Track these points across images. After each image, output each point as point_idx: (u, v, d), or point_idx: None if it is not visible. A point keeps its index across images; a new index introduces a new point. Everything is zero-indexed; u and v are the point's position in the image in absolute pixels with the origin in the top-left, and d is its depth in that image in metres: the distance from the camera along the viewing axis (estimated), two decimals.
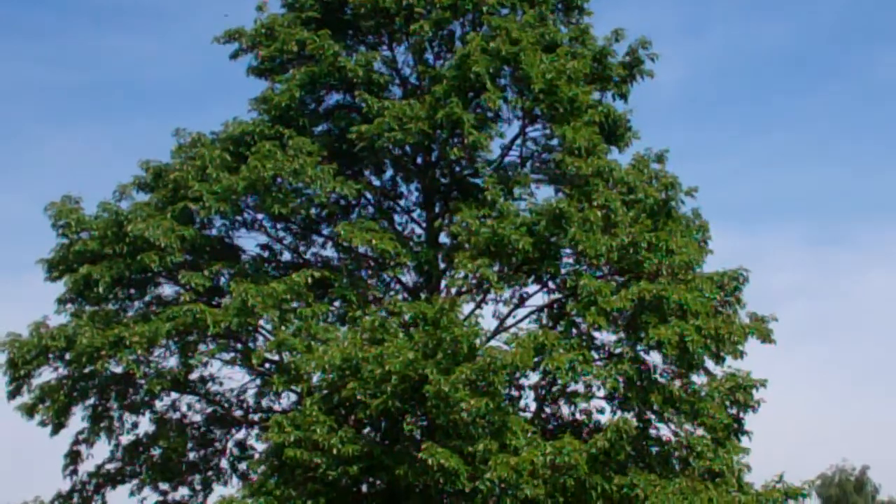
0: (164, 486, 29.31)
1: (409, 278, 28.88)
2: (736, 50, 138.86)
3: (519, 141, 29.55)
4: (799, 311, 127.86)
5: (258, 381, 28.52)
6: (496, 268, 26.41)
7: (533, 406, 27.67)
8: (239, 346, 27.60)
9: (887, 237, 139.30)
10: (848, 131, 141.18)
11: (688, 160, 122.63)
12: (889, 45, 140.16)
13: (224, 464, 29.92)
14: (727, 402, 26.65)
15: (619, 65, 29.69)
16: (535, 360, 25.02)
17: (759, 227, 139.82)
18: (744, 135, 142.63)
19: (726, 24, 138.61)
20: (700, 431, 26.44)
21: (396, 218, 30.07)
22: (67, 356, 26.67)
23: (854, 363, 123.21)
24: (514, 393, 27.09)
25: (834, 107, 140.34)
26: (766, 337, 27.30)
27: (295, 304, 26.27)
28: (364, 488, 25.97)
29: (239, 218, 28.56)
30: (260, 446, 27.73)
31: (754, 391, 26.78)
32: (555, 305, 27.94)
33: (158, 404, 29.19)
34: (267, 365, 27.08)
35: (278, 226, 29.20)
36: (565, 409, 27.72)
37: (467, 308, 26.97)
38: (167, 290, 28.46)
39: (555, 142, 28.66)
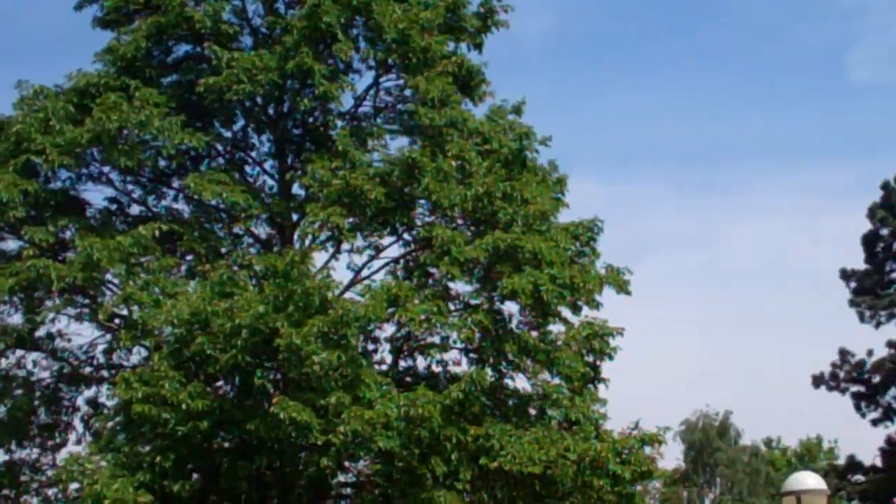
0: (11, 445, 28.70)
1: (261, 231, 28.60)
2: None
3: (372, 92, 29.38)
4: (670, 258, 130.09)
5: (107, 337, 27.96)
6: (350, 220, 26.21)
7: (388, 359, 27.61)
8: (86, 301, 27.05)
9: (757, 184, 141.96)
10: (715, 78, 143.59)
11: (557, 109, 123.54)
12: None
13: (77, 422, 29.42)
14: (584, 351, 26.76)
15: (473, 15, 29.49)
16: (389, 311, 24.93)
17: (626, 176, 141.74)
18: (611, 83, 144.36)
19: None
20: (556, 380, 26.54)
21: (248, 170, 29.69)
22: None
23: (723, 311, 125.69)
24: (369, 346, 27.03)
25: (703, 53, 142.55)
26: (622, 287, 27.50)
27: (143, 259, 25.85)
28: (216, 444, 25.62)
29: (84, 171, 27.96)
30: (111, 403, 27.21)
31: (611, 339, 26.93)
32: (409, 257, 27.84)
33: (3, 362, 28.50)
34: (116, 321, 26.63)
35: (126, 179, 28.63)
36: (421, 361, 27.65)
37: (321, 261, 26.82)
38: (10, 245, 27.79)
39: (408, 92, 28.49)
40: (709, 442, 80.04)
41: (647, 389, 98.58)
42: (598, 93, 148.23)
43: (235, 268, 25.78)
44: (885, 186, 55.12)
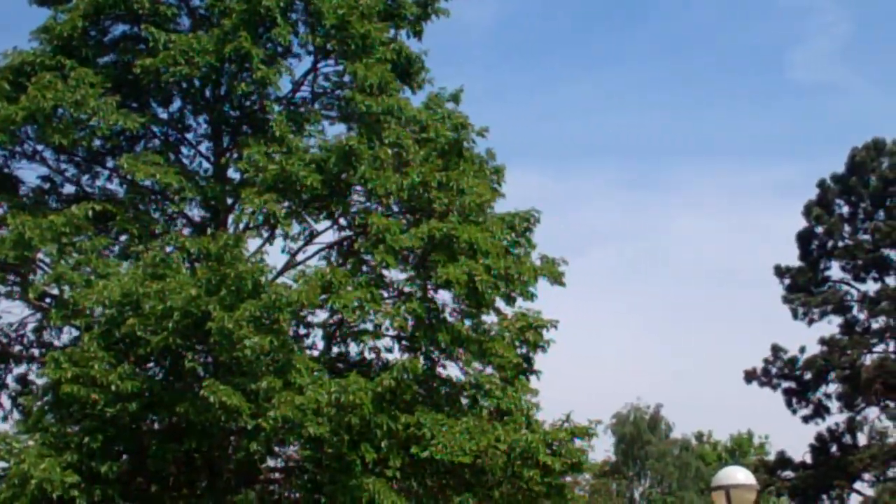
0: None
1: (195, 213, 28.58)
2: None
3: (310, 77, 29.38)
4: (610, 253, 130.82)
5: (38, 316, 27.85)
6: (285, 204, 26.24)
7: (320, 344, 27.69)
8: (17, 279, 26.93)
9: (696, 181, 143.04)
10: (662, 76, 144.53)
11: (500, 100, 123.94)
12: None
13: (5, 400, 29.31)
14: (517, 342, 26.97)
15: (413, 3, 29.58)
16: (322, 297, 25.00)
17: (572, 170, 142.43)
18: (554, 77, 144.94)
19: None
20: (489, 371, 26.75)
21: (184, 151, 29.57)
22: None
23: (659, 305, 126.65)
24: (301, 331, 27.06)
25: (648, 51, 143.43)
26: (556, 278, 27.71)
27: (76, 239, 25.75)
28: (144, 426, 25.61)
29: (18, 149, 27.90)
30: (40, 382, 27.13)
31: (544, 331, 27.14)
32: (344, 243, 27.97)
33: None
34: (47, 300, 26.55)
35: (60, 158, 28.52)
36: (353, 348, 27.66)
37: (255, 244, 26.86)
38: None
39: (347, 78, 28.51)
40: (640, 435, 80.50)
41: (581, 381, 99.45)
42: (541, 85, 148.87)
43: (168, 250, 25.73)
44: (822, 185, 55.77)
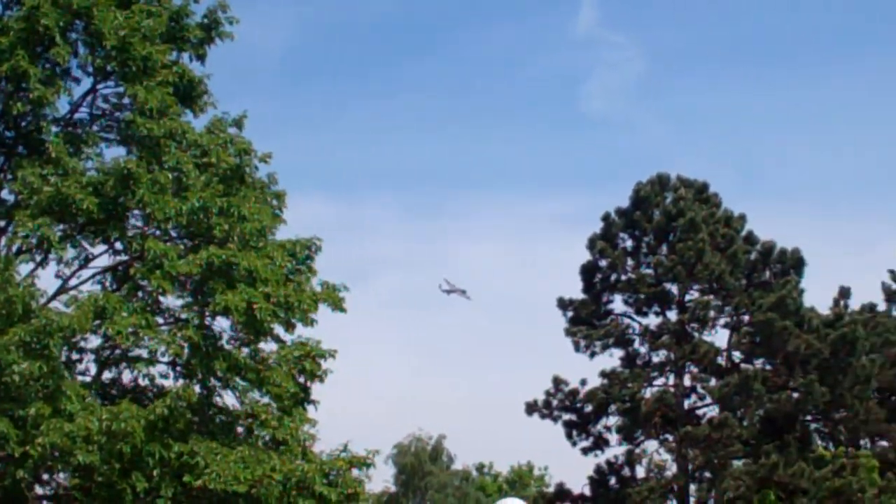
0: None
1: None
2: (342, 18, 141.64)
3: (90, 98, 29.42)
4: (394, 281, 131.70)
5: None
6: (60, 227, 26.19)
7: (93, 370, 27.60)
8: None
9: (484, 211, 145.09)
10: (452, 105, 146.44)
11: (290, 126, 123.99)
12: (488, 23, 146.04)
13: None
14: (295, 372, 27.34)
15: (196, 26, 29.78)
16: (96, 323, 25.05)
17: (359, 197, 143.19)
18: (345, 104, 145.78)
19: None
20: (266, 400, 27.07)
21: None
22: None
23: (444, 334, 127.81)
24: (74, 356, 26.98)
25: (441, 80, 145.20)
26: (337, 305, 28.18)
27: None
28: None
29: None
30: None
31: (323, 361, 27.59)
32: (120, 268, 27.97)
33: None
34: None
35: None
36: (127, 374, 27.76)
37: (28, 269, 26.70)
38: None
39: (127, 101, 28.57)
40: (420, 465, 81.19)
41: (364, 410, 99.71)
42: (331, 113, 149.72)
43: None
44: (606, 218, 56.91)
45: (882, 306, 61.55)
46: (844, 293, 58.52)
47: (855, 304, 58.99)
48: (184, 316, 26.81)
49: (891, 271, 68.89)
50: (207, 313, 26.55)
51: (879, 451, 55.13)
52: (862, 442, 57.03)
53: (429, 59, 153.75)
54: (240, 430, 27.33)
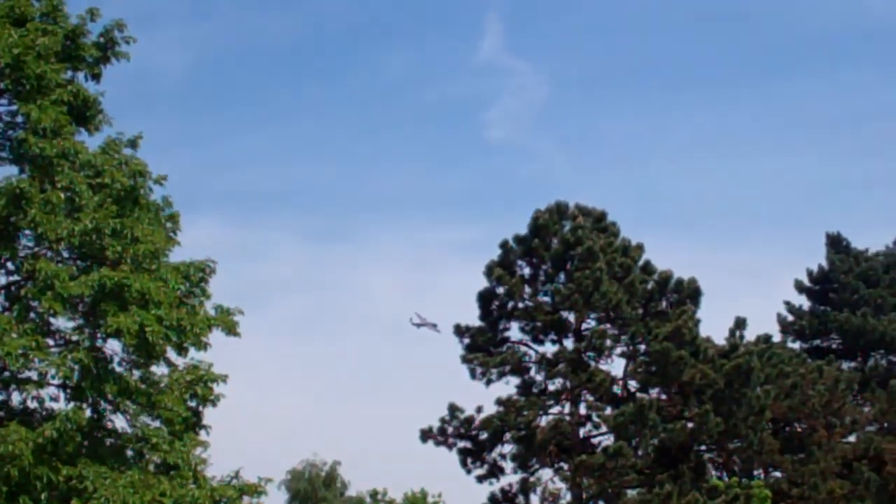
0: None
1: None
2: (241, 41, 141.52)
3: None
4: (291, 305, 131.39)
5: None
6: None
7: None
8: None
9: (383, 236, 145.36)
10: (352, 129, 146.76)
11: (189, 147, 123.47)
12: (390, 48, 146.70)
13: None
14: (187, 396, 27.33)
15: (92, 45, 29.72)
16: None
17: (257, 220, 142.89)
18: (243, 126, 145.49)
19: (234, 12, 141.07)
20: (157, 423, 27.01)
21: None
22: None
23: (340, 360, 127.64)
24: None
25: (337, 102, 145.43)
26: (231, 329, 28.20)
27: None
28: None
29: None
30: None
31: (215, 385, 27.61)
32: (11, 288, 27.79)
33: None
34: None
35: None
36: (16, 397, 27.53)
37: None
38: None
39: (20, 119, 28.38)
40: (314, 491, 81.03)
41: (259, 435, 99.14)
42: (230, 134, 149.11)
43: None
44: (504, 245, 57.26)
45: (777, 337, 62.70)
46: (740, 324, 59.32)
47: (750, 334, 60.00)
48: (75, 338, 26.70)
49: (786, 302, 70.27)
50: (99, 335, 26.44)
51: (772, 482, 56.02)
52: (756, 472, 57.94)
53: (328, 83, 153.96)
54: (130, 454, 27.16)
